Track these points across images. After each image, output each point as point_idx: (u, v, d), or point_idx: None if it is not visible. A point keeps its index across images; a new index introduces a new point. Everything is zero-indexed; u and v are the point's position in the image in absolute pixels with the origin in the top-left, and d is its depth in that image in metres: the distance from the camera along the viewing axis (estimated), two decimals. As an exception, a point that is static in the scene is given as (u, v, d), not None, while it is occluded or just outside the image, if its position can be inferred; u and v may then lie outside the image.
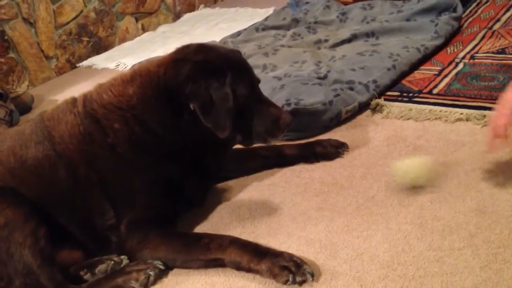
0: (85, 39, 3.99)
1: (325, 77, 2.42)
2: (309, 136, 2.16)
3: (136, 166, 1.61)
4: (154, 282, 1.51)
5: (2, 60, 3.43)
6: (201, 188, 1.80)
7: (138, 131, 1.60)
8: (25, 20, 3.54)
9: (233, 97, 1.58)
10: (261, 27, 3.47)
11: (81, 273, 1.57)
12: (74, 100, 1.71)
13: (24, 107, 3.12)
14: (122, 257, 1.58)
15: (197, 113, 1.55)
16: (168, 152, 1.64)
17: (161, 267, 1.52)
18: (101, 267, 1.57)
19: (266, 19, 3.65)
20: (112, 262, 1.57)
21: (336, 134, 2.16)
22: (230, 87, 1.57)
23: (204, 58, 1.61)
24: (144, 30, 4.48)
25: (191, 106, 1.56)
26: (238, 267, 1.47)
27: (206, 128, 1.56)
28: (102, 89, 1.68)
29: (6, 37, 3.44)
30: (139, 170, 1.62)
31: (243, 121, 1.65)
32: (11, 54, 3.49)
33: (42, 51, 3.69)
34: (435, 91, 2.36)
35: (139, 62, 2.90)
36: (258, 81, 1.75)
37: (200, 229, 1.73)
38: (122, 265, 1.56)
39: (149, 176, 1.63)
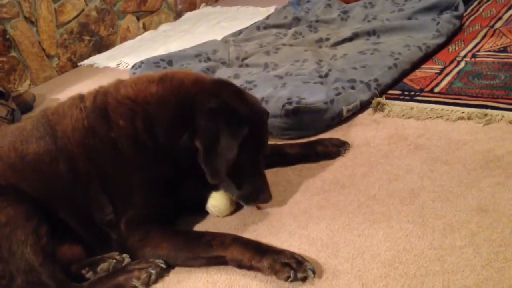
0: (87, 38, 4.00)
1: (326, 75, 2.42)
2: (310, 135, 2.16)
3: (134, 164, 1.61)
4: (156, 281, 1.51)
5: (4, 59, 3.44)
6: (200, 190, 1.77)
7: (141, 130, 1.60)
8: (26, 19, 3.55)
9: (238, 152, 1.57)
10: (263, 26, 3.47)
11: (83, 271, 1.58)
12: (81, 96, 1.70)
13: (26, 106, 3.13)
14: (123, 255, 1.59)
15: (199, 151, 1.56)
16: (165, 156, 1.63)
17: (163, 265, 1.53)
18: (103, 266, 1.57)
19: (267, 17, 3.66)
20: (114, 260, 1.57)
21: (338, 133, 2.16)
22: (240, 141, 1.57)
23: (234, 104, 1.59)
24: (145, 29, 4.48)
25: (196, 142, 1.56)
26: (240, 265, 1.47)
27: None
28: (122, 84, 1.68)
29: (7, 36, 3.44)
30: (137, 168, 1.62)
31: (234, 177, 1.64)
32: (13, 53, 3.50)
33: (44, 50, 3.70)
34: (436, 89, 2.36)
35: (142, 61, 2.91)
36: (266, 150, 1.74)
37: (201, 227, 1.74)
38: (123, 264, 1.56)
39: (147, 175, 1.63)
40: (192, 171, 1.64)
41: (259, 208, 1.76)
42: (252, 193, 1.67)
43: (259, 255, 1.44)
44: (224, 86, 1.68)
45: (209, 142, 1.55)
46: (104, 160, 1.61)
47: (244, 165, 1.62)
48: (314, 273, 1.40)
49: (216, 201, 1.74)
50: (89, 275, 1.57)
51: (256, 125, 1.64)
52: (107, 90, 1.67)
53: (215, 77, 2.46)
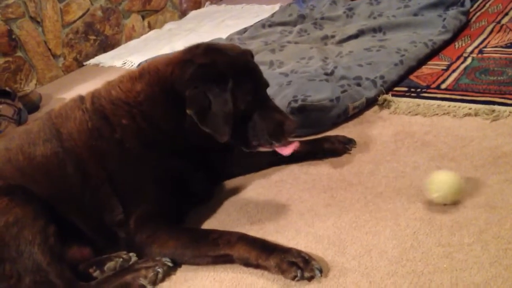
0: (92, 37, 4.01)
1: (332, 73, 2.41)
2: (316, 133, 2.16)
3: (143, 161, 1.63)
4: (163, 279, 1.52)
5: (10, 59, 3.45)
6: (208, 182, 1.82)
7: (145, 127, 1.63)
8: (32, 19, 3.56)
9: (234, 103, 1.58)
10: (268, 24, 3.47)
11: (90, 270, 1.58)
12: (81, 98, 1.74)
13: (32, 105, 3.14)
14: (130, 254, 1.59)
15: (194, 118, 1.57)
16: (174, 148, 1.66)
17: (170, 264, 1.53)
18: (110, 265, 1.58)
19: (272, 15, 3.65)
20: (121, 259, 1.58)
21: (344, 130, 2.15)
22: (231, 92, 1.57)
23: (208, 61, 1.61)
24: (150, 28, 4.49)
25: (190, 113, 1.57)
26: (246, 263, 1.47)
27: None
28: (111, 85, 1.72)
29: (13, 36, 3.45)
30: (147, 165, 1.64)
31: (246, 125, 1.65)
32: (19, 53, 3.51)
33: (50, 49, 3.71)
34: (443, 86, 2.35)
35: (146, 60, 2.91)
36: (266, 85, 1.74)
37: (208, 225, 1.74)
38: (130, 263, 1.57)
39: (157, 171, 1.65)
40: (205, 158, 1.66)
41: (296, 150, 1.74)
42: (275, 126, 1.65)
43: (265, 254, 1.44)
44: (194, 49, 1.68)
45: (200, 106, 1.56)
46: (112, 160, 1.62)
47: (250, 110, 1.64)
48: (321, 272, 1.39)
49: (438, 186, 1.59)
50: (96, 274, 1.57)
51: (241, 70, 1.64)
52: (100, 94, 1.71)
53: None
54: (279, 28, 3.36)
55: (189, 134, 1.64)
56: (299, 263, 1.40)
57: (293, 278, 1.39)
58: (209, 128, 1.57)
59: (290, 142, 1.73)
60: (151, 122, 1.63)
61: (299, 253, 1.43)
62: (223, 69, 1.60)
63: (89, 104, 1.69)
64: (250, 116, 1.65)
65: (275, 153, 1.99)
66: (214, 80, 1.57)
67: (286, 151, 1.73)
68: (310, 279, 1.39)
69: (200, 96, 1.56)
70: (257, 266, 1.46)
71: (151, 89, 1.64)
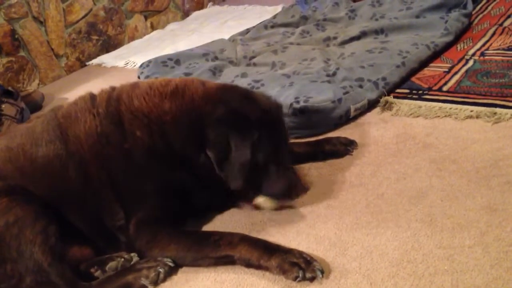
0: (95, 37, 4.01)
1: (334, 74, 2.41)
2: (318, 134, 2.16)
3: (149, 174, 1.62)
4: (164, 280, 1.52)
5: (13, 58, 3.46)
6: (210, 199, 1.76)
7: (159, 145, 1.61)
8: (35, 18, 3.56)
9: (254, 155, 1.57)
10: (270, 25, 3.47)
11: (92, 270, 1.58)
12: (93, 98, 1.70)
13: (35, 105, 3.15)
14: (132, 254, 1.59)
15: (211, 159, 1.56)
16: (182, 166, 1.64)
17: (171, 264, 1.53)
18: (112, 265, 1.57)
19: (274, 16, 3.66)
20: (123, 259, 1.58)
21: (345, 132, 2.15)
22: (254, 144, 1.57)
23: (240, 108, 1.59)
24: (153, 28, 4.49)
25: (208, 153, 1.56)
26: (248, 264, 1.47)
27: None
28: (135, 93, 1.66)
29: (16, 36, 3.46)
30: (152, 178, 1.62)
31: (258, 178, 1.64)
32: (22, 53, 3.52)
33: (52, 49, 3.72)
34: (445, 88, 2.35)
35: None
36: (286, 143, 1.73)
37: (209, 227, 1.74)
38: (132, 263, 1.57)
39: (161, 182, 1.63)
40: (210, 181, 1.65)
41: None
42: (283, 187, 1.66)
43: (267, 254, 1.44)
44: (230, 91, 1.68)
45: (220, 151, 1.56)
46: (117, 167, 1.61)
47: (265, 165, 1.62)
48: (322, 273, 1.40)
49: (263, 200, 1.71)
50: (97, 274, 1.57)
51: (268, 124, 1.63)
52: (120, 96, 1.66)
53: (221, 82, 2.47)
54: (282, 29, 3.36)
55: (202, 166, 1.62)
56: (300, 264, 1.40)
57: (295, 279, 1.39)
58: (224, 173, 1.57)
59: None
60: (168, 143, 1.61)
61: (300, 254, 1.43)
62: (252, 119, 1.58)
63: (103, 107, 1.65)
64: (264, 169, 1.63)
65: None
66: (240, 129, 1.56)
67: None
68: (312, 280, 1.40)
69: (222, 140, 1.55)
70: (259, 267, 1.46)
71: (180, 115, 1.61)
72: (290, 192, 1.69)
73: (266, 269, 1.45)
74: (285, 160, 1.69)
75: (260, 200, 1.70)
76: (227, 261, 1.50)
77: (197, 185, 1.67)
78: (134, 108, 1.63)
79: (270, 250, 1.46)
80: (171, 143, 1.61)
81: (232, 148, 1.55)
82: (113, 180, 1.61)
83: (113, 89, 1.71)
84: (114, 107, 1.64)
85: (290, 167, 1.71)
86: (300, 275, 1.38)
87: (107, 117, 1.63)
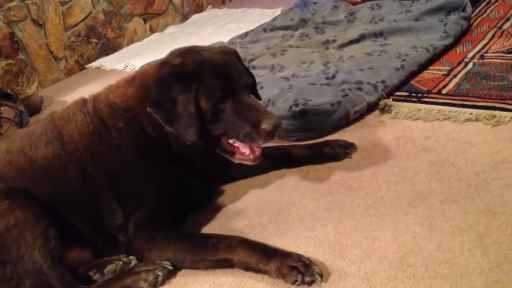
0: (94, 40, 4.01)
1: (333, 77, 2.41)
2: (317, 137, 2.16)
3: (140, 168, 1.64)
4: (163, 283, 1.51)
5: (12, 61, 3.46)
6: (206, 188, 1.82)
7: (138, 132, 1.64)
8: (34, 21, 3.57)
9: (200, 101, 1.57)
10: (269, 28, 3.48)
11: (90, 273, 1.58)
12: (84, 100, 1.75)
13: (34, 108, 3.15)
14: (130, 257, 1.59)
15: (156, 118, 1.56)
16: (166, 154, 1.67)
17: (170, 267, 1.53)
18: (110, 268, 1.58)
19: (274, 19, 3.66)
20: (121, 262, 1.58)
21: (345, 135, 2.15)
22: (197, 91, 1.56)
23: (178, 62, 1.61)
24: (152, 31, 4.50)
25: (148, 109, 1.56)
26: (247, 268, 1.47)
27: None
28: (110, 89, 1.73)
29: (15, 39, 3.46)
30: (143, 171, 1.64)
31: (217, 125, 1.61)
32: (21, 56, 3.52)
33: (51, 52, 3.72)
34: (444, 91, 2.35)
35: (148, 63, 2.92)
36: (245, 82, 1.67)
37: (208, 229, 1.74)
38: (130, 266, 1.56)
39: (154, 177, 1.65)
40: (196, 163, 1.66)
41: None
42: (250, 126, 1.57)
43: (266, 258, 1.44)
44: (174, 52, 1.69)
45: (164, 109, 1.55)
46: (111, 164, 1.63)
47: (221, 109, 1.59)
48: (321, 276, 1.39)
49: None
50: (96, 277, 1.57)
51: (211, 68, 1.60)
52: (100, 97, 1.73)
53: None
54: (281, 32, 3.37)
55: (169, 139, 1.63)
56: (299, 267, 1.40)
57: (294, 283, 1.39)
58: (173, 128, 1.56)
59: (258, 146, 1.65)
60: (142, 128, 1.64)
61: (299, 257, 1.43)
62: (190, 68, 1.59)
63: (91, 107, 1.70)
64: (221, 115, 1.60)
65: (275, 157, 2.00)
66: (178, 80, 1.56)
67: (252, 158, 1.66)
68: (311, 283, 1.39)
69: (162, 96, 1.56)
70: (257, 271, 1.46)
71: (138, 94, 1.65)
72: (258, 131, 1.56)
73: (265, 272, 1.44)
74: (244, 100, 1.62)
75: None
76: (226, 264, 1.50)
77: (187, 173, 1.69)
78: (110, 101, 1.69)
79: (269, 253, 1.45)
80: (145, 129, 1.64)
81: (176, 101, 1.55)
82: (110, 177, 1.62)
83: (96, 93, 1.77)
84: (97, 106, 1.69)
85: (254, 105, 1.62)
86: (299, 279, 1.38)
87: (95, 116, 1.67)
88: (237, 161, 1.69)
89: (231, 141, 1.66)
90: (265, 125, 1.55)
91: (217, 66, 1.63)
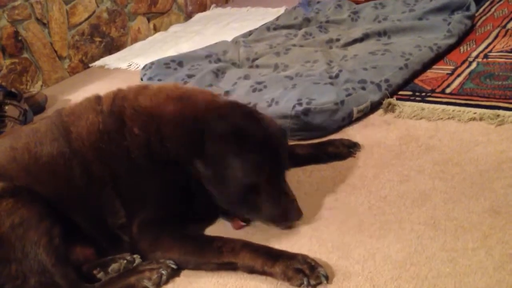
0: (98, 39, 4.02)
1: (336, 76, 2.41)
2: (320, 136, 2.16)
3: (147, 172, 1.62)
4: (167, 282, 1.52)
5: (16, 60, 3.47)
6: (212, 203, 1.73)
7: (154, 143, 1.59)
8: (38, 20, 3.57)
9: (250, 173, 1.53)
10: (273, 27, 3.47)
11: (94, 272, 1.58)
12: (97, 98, 1.71)
13: (38, 107, 3.15)
14: (135, 256, 1.59)
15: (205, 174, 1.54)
16: (177, 171, 1.62)
17: (174, 266, 1.53)
18: (114, 266, 1.58)
19: (277, 18, 3.66)
20: (125, 261, 1.58)
21: (348, 134, 2.15)
22: (252, 162, 1.53)
23: (243, 125, 1.57)
24: (156, 30, 4.50)
25: (205, 168, 1.53)
26: (251, 271, 1.47)
27: None
28: (142, 93, 1.68)
29: (20, 38, 3.47)
30: (151, 177, 1.62)
31: (253, 202, 1.58)
32: (25, 55, 3.52)
33: (55, 51, 3.72)
34: (448, 90, 2.34)
35: (153, 62, 2.92)
36: (283, 168, 1.67)
37: (211, 230, 1.73)
38: (135, 264, 1.57)
39: (160, 183, 1.63)
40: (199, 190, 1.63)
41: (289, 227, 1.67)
42: (278, 215, 1.60)
43: (271, 261, 1.44)
44: (237, 108, 1.65)
45: (216, 168, 1.53)
46: (118, 165, 1.61)
47: (263, 188, 1.57)
48: (327, 279, 1.39)
49: None
50: (100, 275, 1.57)
51: (270, 148, 1.59)
52: (126, 95, 1.68)
53: (224, 83, 2.52)
54: (284, 31, 3.36)
55: (191, 174, 1.60)
56: (305, 270, 1.40)
57: (299, 286, 1.39)
58: (217, 191, 1.56)
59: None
60: (163, 144, 1.59)
61: (305, 259, 1.42)
62: (254, 142, 1.55)
63: (108, 105, 1.66)
64: (258, 193, 1.57)
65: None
66: (241, 150, 1.52)
67: (236, 226, 1.70)
68: (316, 286, 1.39)
69: (221, 157, 1.52)
70: (262, 273, 1.45)
71: (180, 119, 1.59)
72: (284, 219, 1.62)
73: (270, 275, 1.44)
74: (282, 185, 1.63)
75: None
76: (230, 267, 1.50)
77: (194, 187, 1.65)
78: (137, 104, 1.64)
79: (273, 256, 1.45)
80: (166, 145, 1.59)
81: (230, 167, 1.52)
82: (115, 177, 1.61)
83: (120, 90, 1.73)
84: (118, 105, 1.65)
85: (288, 192, 1.64)
86: (305, 282, 1.38)
87: (110, 115, 1.64)
88: (226, 221, 1.71)
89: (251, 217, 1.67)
90: (291, 216, 1.60)
91: (277, 143, 1.62)
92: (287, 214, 1.60)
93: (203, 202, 1.66)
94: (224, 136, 1.54)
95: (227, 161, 1.52)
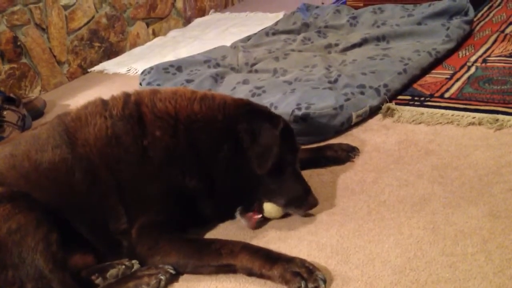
0: (97, 44, 4.02)
1: (335, 81, 2.41)
2: (319, 140, 2.16)
3: (160, 174, 1.62)
4: (165, 287, 1.51)
5: (15, 65, 3.46)
6: (217, 211, 1.75)
7: (181, 144, 1.63)
8: (37, 25, 3.57)
9: (279, 148, 1.62)
10: (271, 32, 3.48)
11: (93, 277, 1.58)
12: (104, 103, 1.70)
13: (37, 112, 3.15)
14: (133, 261, 1.59)
15: (244, 141, 1.61)
16: (196, 171, 1.65)
17: (172, 271, 1.52)
18: (112, 272, 1.57)
19: (276, 23, 3.66)
20: (123, 266, 1.57)
21: (347, 138, 2.15)
22: (280, 137, 1.63)
23: (269, 112, 1.74)
24: (155, 35, 4.50)
25: (240, 135, 1.61)
26: (250, 273, 1.47)
27: (244, 162, 1.62)
28: (157, 98, 1.69)
29: (18, 43, 3.47)
30: (161, 178, 1.62)
31: (277, 176, 1.66)
32: (24, 60, 3.52)
33: (54, 56, 3.72)
34: (446, 95, 2.35)
35: (152, 67, 2.92)
36: (298, 149, 1.77)
37: (210, 234, 1.73)
38: (133, 270, 1.56)
39: (170, 186, 1.63)
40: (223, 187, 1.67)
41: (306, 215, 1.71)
42: (299, 197, 1.67)
43: (269, 264, 1.43)
44: (255, 103, 1.79)
45: (252, 136, 1.61)
46: (125, 169, 1.61)
47: (283, 165, 1.66)
48: (325, 282, 1.39)
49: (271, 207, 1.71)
50: (98, 281, 1.56)
51: (287, 127, 1.71)
52: (141, 100, 1.68)
53: (223, 88, 2.59)
54: (283, 36, 3.37)
55: (219, 165, 1.65)
56: (302, 273, 1.39)
57: (297, 289, 1.38)
58: (256, 153, 1.61)
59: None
60: (191, 143, 1.64)
61: (303, 263, 1.42)
62: (278, 116, 1.72)
63: (119, 109, 1.66)
64: (281, 173, 1.66)
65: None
66: (267, 119, 1.66)
67: (251, 224, 1.70)
68: (314, 289, 1.39)
69: (254, 129, 1.62)
70: (260, 276, 1.45)
71: (213, 114, 1.66)
72: (304, 202, 1.67)
73: (268, 278, 1.44)
74: (298, 168, 1.73)
75: (268, 207, 1.68)
76: (229, 269, 1.50)
77: (206, 194, 1.67)
78: (157, 110, 1.66)
79: (272, 259, 1.45)
80: (196, 142, 1.64)
81: (263, 135, 1.61)
82: (120, 182, 1.61)
83: (127, 94, 1.73)
84: (134, 110, 1.65)
85: (301, 175, 1.73)
86: (303, 285, 1.37)
87: (122, 119, 1.63)
88: (242, 221, 1.71)
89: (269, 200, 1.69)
90: (311, 199, 1.67)
91: (289, 126, 1.75)
92: (307, 198, 1.67)
93: (207, 206, 1.69)
94: (255, 114, 1.68)
95: (259, 131, 1.62)
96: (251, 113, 1.67)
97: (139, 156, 1.61)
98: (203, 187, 1.66)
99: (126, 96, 1.71)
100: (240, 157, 1.63)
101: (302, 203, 1.67)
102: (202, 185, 1.66)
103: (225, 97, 1.75)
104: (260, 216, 1.69)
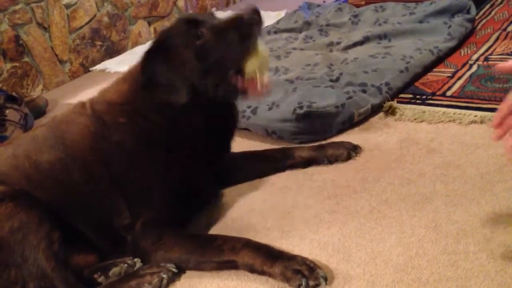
0: (98, 43, 4.03)
1: (337, 79, 2.41)
2: (321, 139, 2.16)
3: (145, 160, 1.64)
4: (167, 285, 1.51)
5: (17, 64, 3.47)
6: (212, 181, 1.81)
7: (141, 123, 1.65)
8: (39, 24, 3.58)
9: (182, 63, 1.59)
10: (273, 30, 3.48)
11: (95, 276, 1.58)
12: (83, 104, 1.77)
13: (39, 111, 3.16)
14: (135, 260, 1.59)
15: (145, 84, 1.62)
16: (171, 141, 1.67)
17: (174, 270, 1.53)
18: (115, 270, 1.58)
19: (278, 22, 3.66)
20: (126, 265, 1.58)
21: (349, 137, 2.15)
22: (176, 52, 1.60)
23: (157, 39, 1.69)
24: (156, 33, 4.50)
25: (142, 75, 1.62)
26: (251, 270, 1.47)
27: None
28: (105, 90, 1.77)
29: (20, 42, 3.48)
30: (149, 164, 1.65)
31: (209, 63, 1.60)
32: (26, 59, 3.53)
33: (56, 55, 3.73)
34: (448, 93, 2.34)
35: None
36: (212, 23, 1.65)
37: (212, 231, 1.74)
38: (135, 268, 1.57)
39: (159, 169, 1.65)
40: (202, 147, 1.69)
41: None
42: (237, 39, 1.58)
43: (270, 261, 1.44)
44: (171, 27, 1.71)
45: (147, 75, 1.61)
46: (116, 162, 1.64)
47: (207, 45, 1.59)
48: (326, 280, 1.39)
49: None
50: (101, 279, 1.57)
51: (184, 25, 1.63)
52: (96, 99, 1.75)
53: None
54: (285, 35, 3.37)
55: (172, 117, 1.65)
56: (303, 271, 1.39)
57: (298, 287, 1.38)
58: (161, 94, 1.60)
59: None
60: (143, 116, 1.65)
61: (304, 260, 1.42)
62: (166, 37, 1.65)
63: (89, 109, 1.72)
64: (208, 51, 1.59)
65: (279, 158, 2.00)
66: (157, 53, 1.62)
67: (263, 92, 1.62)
68: (315, 287, 1.39)
69: (147, 68, 1.62)
70: (261, 273, 1.45)
71: (134, 84, 1.68)
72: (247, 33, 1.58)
73: (269, 275, 1.44)
74: (218, 23, 1.63)
75: (247, 64, 1.59)
76: (230, 266, 1.50)
77: (194, 164, 1.70)
78: (107, 100, 1.71)
79: (273, 256, 1.45)
80: (146, 116, 1.65)
81: (158, 69, 1.60)
82: (115, 176, 1.63)
83: (91, 97, 1.79)
84: (95, 107, 1.71)
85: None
86: (303, 283, 1.37)
87: (94, 117, 1.69)
88: (250, 99, 1.71)
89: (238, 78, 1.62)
90: (249, 14, 1.58)
91: (188, 19, 1.67)
92: (245, 16, 1.59)
93: (203, 179, 1.73)
94: (148, 53, 1.66)
95: (153, 69, 1.61)
96: (143, 59, 1.64)
97: (120, 150, 1.64)
98: (190, 159, 1.69)
99: (90, 98, 1.78)
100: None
101: (251, 20, 1.59)
102: (187, 158, 1.68)
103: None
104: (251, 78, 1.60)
